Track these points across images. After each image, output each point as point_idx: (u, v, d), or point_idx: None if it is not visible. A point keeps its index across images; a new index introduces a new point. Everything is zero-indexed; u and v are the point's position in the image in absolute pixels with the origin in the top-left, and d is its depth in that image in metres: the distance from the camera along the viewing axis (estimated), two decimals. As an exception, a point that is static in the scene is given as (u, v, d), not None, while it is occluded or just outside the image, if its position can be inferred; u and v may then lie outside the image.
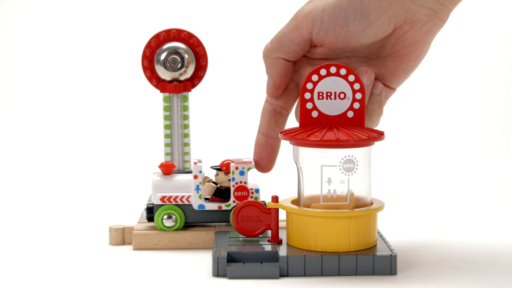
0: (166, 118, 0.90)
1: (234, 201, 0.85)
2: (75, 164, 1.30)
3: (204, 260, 0.80)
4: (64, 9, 1.47)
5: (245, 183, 0.84)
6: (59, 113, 1.41)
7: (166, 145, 0.90)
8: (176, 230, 0.85)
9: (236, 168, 0.84)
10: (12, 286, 0.74)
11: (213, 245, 0.78)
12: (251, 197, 0.85)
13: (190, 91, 0.90)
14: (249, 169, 0.84)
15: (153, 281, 0.74)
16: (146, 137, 1.31)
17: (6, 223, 0.98)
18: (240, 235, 0.81)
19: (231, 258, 0.76)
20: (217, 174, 0.86)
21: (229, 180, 0.85)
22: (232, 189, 0.84)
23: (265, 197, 0.92)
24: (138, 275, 0.76)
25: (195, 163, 0.84)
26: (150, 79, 0.90)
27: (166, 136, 0.90)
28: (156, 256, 0.82)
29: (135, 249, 0.85)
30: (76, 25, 1.47)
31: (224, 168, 0.85)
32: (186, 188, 0.85)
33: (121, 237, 0.86)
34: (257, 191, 0.85)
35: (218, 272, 0.75)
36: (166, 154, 0.90)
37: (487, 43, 1.44)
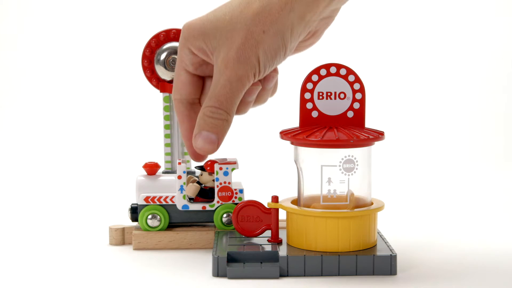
0: (166, 118, 0.90)
1: (218, 202, 0.85)
2: (75, 164, 1.30)
3: (204, 260, 0.80)
4: (64, 9, 1.47)
5: (229, 183, 0.84)
6: (59, 114, 1.41)
7: (166, 145, 0.90)
8: (160, 230, 0.85)
9: (220, 168, 0.84)
10: (12, 286, 0.74)
11: (213, 245, 0.78)
12: (235, 197, 0.85)
13: (190, 91, 0.90)
14: (233, 169, 0.84)
15: (153, 281, 0.74)
16: (146, 137, 1.31)
17: (6, 223, 0.98)
18: (240, 235, 0.81)
19: (231, 258, 0.76)
20: (201, 174, 0.85)
21: (213, 180, 0.84)
22: (216, 190, 0.84)
23: (265, 197, 0.92)
24: (138, 275, 0.76)
25: (179, 163, 0.84)
26: (150, 79, 0.90)
27: (166, 136, 0.90)
28: (156, 256, 0.82)
29: (135, 249, 0.85)
30: (76, 25, 1.47)
31: (208, 168, 0.85)
32: (170, 188, 0.86)
33: (121, 237, 0.86)
34: (241, 191, 0.85)
35: (218, 272, 0.75)
36: (166, 154, 0.90)
37: (488, 43, 1.44)
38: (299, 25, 0.75)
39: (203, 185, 0.86)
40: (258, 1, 0.76)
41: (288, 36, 0.75)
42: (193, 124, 0.78)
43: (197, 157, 0.79)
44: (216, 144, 0.77)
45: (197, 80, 0.81)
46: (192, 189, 0.85)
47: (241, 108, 0.80)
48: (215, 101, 0.76)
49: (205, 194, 0.85)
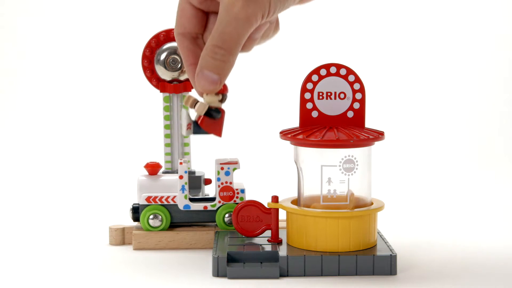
0: (166, 118, 0.90)
1: (219, 202, 0.85)
2: (75, 164, 1.30)
3: (204, 260, 0.80)
4: (65, 9, 1.47)
5: (230, 183, 0.84)
6: (59, 114, 1.41)
7: (166, 145, 0.90)
8: (162, 230, 0.85)
9: (222, 168, 0.84)
10: (12, 286, 0.74)
11: (213, 245, 0.78)
12: (237, 197, 0.85)
13: (190, 91, 0.90)
14: (234, 169, 0.84)
15: (153, 281, 0.74)
16: (146, 137, 1.31)
17: (6, 223, 0.98)
18: (240, 235, 0.81)
19: (231, 258, 0.76)
20: (206, 94, 0.81)
21: (219, 100, 0.78)
22: (217, 190, 0.84)
23: (265, 197, 0.92)
24: (138, 275, 0.76)
25: (181, 163, 0.84)
26: (150, 79, 0.90)
27: (166, 136, 0.90)
28: (156, 256, 0.82)
29: (135, 249, 0.85)
30: (76, 25, 1.47)
31: None
32: (172, 188, 0.86)
33: (121, 237, 0.86)
34: (242, 191, 0.85)
35: (218, 272, 0.75)
36: (166, 154, 0.90)
37: (488, 43, 1.44)
38: None
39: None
40: None
41: None
42: (197, 60, 0.75)
43: (201, 93, 0.77)
44: (218, 83, 0.73)
45: (201, 15, 0.77)
46: (200, 108, 0.77)
47: (247, 44, 0.75)
48: (218, 39, 0.72)
49: (210, 114, 0.79)
